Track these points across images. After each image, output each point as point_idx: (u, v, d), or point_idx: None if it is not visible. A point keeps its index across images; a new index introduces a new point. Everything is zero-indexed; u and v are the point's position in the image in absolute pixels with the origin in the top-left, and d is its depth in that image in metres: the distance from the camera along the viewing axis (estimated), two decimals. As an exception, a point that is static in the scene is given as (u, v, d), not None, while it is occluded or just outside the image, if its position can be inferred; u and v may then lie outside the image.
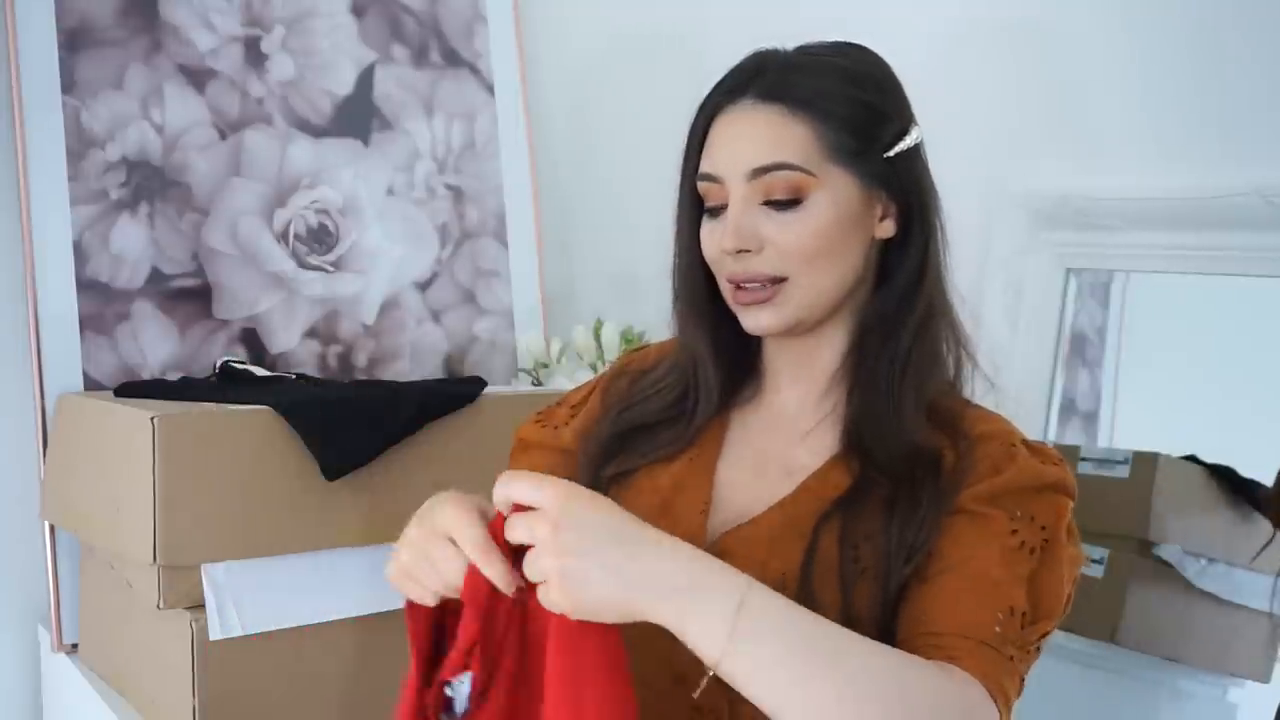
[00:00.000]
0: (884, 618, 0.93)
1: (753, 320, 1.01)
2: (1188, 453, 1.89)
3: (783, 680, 0.80)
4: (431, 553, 0.85)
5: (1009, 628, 0.91)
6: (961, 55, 2.03)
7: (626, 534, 0.81)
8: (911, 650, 0.89)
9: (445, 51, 1.92)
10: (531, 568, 0.81)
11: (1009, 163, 1.99)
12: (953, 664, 0.87)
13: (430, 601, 0.86)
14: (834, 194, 0.98)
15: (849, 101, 0.99)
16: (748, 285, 1.00)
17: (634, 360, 1.18)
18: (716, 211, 1.01)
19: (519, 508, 0.82)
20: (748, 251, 0.98)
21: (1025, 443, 1.00)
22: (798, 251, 0.98)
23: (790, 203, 0.98)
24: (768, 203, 0.98)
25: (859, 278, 1.02)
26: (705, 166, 1.01)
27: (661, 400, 1.09)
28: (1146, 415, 2.13)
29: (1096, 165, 1.91)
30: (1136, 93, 1.86)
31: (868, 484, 0.98)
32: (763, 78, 1.00)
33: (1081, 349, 2.12)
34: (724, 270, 1.01)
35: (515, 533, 0.81)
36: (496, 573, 0.83)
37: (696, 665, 0.82)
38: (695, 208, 1.04)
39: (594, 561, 0.79)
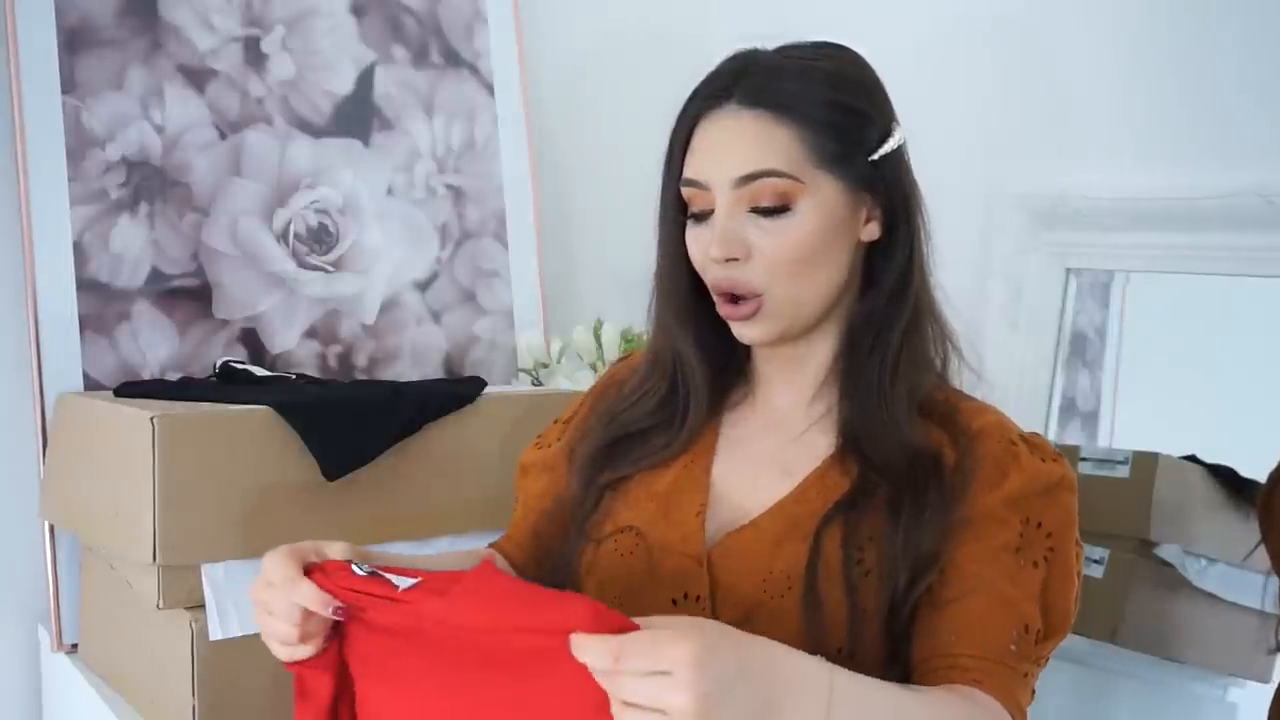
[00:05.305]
0: (890, 618, 0.94)
1: (743, 332, 1.02)
2: (1188, 453, 1.89)
3: None
4: (266, 603, 0.89)
5: (1024, 645, 0.93)
6: (961, 55, 2.03)
7: (762, 688, 0.75)
8: (933, 673, 0.91)
9: (445, 51, 1.91)
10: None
11: (1008, 163, 1.99)
12: (975, 687, 0.89)
13: (287, 654, 0.90)
14: (821, 200, 0.98)
15: (833, 106, 0.98)
16: (734, 298, 1.00)
17: (620, 370, 1.17)
18: (701, 217, 1.01)
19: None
20: (735, 260, 0.98)
21: (1023, 437, 1.01)
22: (784, 258, 0.98)
23: (778, 210, 0.97)
24: (755, 209, 0.98)
25: (845, 282, 1.02)
26: (690, 172, 1.01)
27: (646, 404, 1.09)
28: (1146, 415, 2.13)
29: (1096, 165, 1.91)
30: (1136, 92, 1.86)
31: (867, 486, 0.98)
32: (745, 82, 0.99)
33: (1081, 349, 2.12)
34: (710, 277, 1.01)
35: (639, 694, 0.71)
36: (306, 596, 0.85)
37: None
38: (679, 212, 1.03)
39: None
